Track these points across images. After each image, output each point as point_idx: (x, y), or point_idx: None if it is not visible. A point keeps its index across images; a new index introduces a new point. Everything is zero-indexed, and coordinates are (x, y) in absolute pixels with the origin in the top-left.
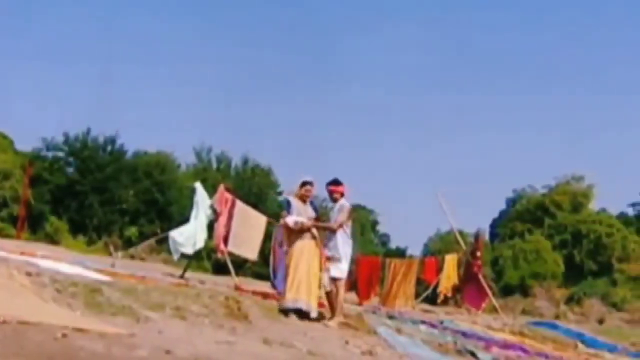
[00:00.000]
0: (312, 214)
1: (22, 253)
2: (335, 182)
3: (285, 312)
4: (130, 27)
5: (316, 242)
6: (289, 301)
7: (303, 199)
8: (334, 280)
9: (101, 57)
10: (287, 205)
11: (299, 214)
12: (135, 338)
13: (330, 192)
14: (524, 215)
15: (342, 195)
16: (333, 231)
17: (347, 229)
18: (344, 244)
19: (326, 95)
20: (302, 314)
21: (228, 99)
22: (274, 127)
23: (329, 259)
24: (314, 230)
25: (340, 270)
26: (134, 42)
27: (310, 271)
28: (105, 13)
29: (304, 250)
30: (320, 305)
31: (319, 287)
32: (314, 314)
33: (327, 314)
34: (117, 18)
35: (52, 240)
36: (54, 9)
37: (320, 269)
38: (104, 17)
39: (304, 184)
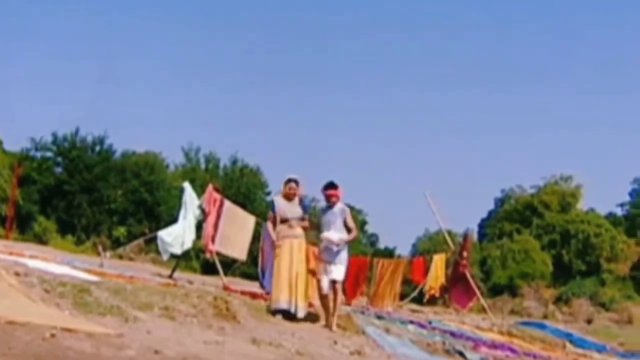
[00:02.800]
0: (299, 212)
1: (10, 253)
2: (332, 186)
3: (272, 313)
4: (120, 28)
5: (302, 241)
6: (274, 302)
7: (288, 197)
8: (333, 282)
9: (90, 57)
10: (272, 206)
11: (284, 213)
12: (123, 338)
13: (328, 197)
14: (513, 215)
15: (338, 198)
16: (355, 239)
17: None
18: (346, 248)
19: (315, 95)
20: (288, 314)
21: (217, 99)
22: (262, 127)
23: (329, 262)
24: (300, 230)
25: (341, 273)
26: (122, 43)
27: (294, 271)
28: (93, 13)
29: (291, 250)
30: (310, 305)
31: (307, 287)
32: (300, 314)
33: (317, 315)
34: (104, 19)
35: (40, 240)
36: (43, 9)
37: (309, 270)
38: (92, 17)
39: (287, 181)
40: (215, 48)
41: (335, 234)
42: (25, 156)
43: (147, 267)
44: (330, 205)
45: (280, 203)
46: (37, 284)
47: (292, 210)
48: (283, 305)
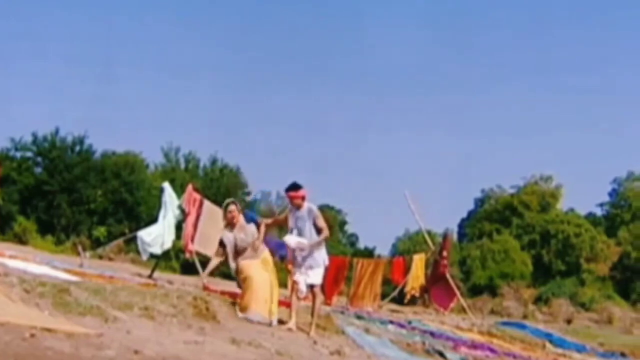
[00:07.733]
0: (250, 234)
1: None
2: (294, 187)
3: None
4: (105, 30)
5: (264, 256)
6: (244, 309)
7: (232, 224)
8: (311, 287)
9: (72, 58)
10: (222, 243)
11: (234, 245)
12: (103, 338)
13: (291, 198)
14: (493, 216)
15: (303, 199)
16: (327, 239)
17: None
18: (321, 250)
19: (295, 96)
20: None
21: (197, 99)
22: (242, 127)
23: (301, 265)
24: (259, 247)
25: (318, 276)
26: (106, 44)
27: (266, 286)
28: (77, 12)
29: (252, 265)
30: (287, 305)
31: (275, 295)
32: (274, 323)
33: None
34: (91, 22)
35: (20, 240)
36: (25, 9)
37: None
38: (78, 16)
39: (225, 208)
40: (196, 49)
41: (293, 238)
42: (5, 156)
43: (127, 267)
44: (296, 208)
45: (228, 237)
46: (16, 283)
47: (240, 237)
48: (252, 316)
